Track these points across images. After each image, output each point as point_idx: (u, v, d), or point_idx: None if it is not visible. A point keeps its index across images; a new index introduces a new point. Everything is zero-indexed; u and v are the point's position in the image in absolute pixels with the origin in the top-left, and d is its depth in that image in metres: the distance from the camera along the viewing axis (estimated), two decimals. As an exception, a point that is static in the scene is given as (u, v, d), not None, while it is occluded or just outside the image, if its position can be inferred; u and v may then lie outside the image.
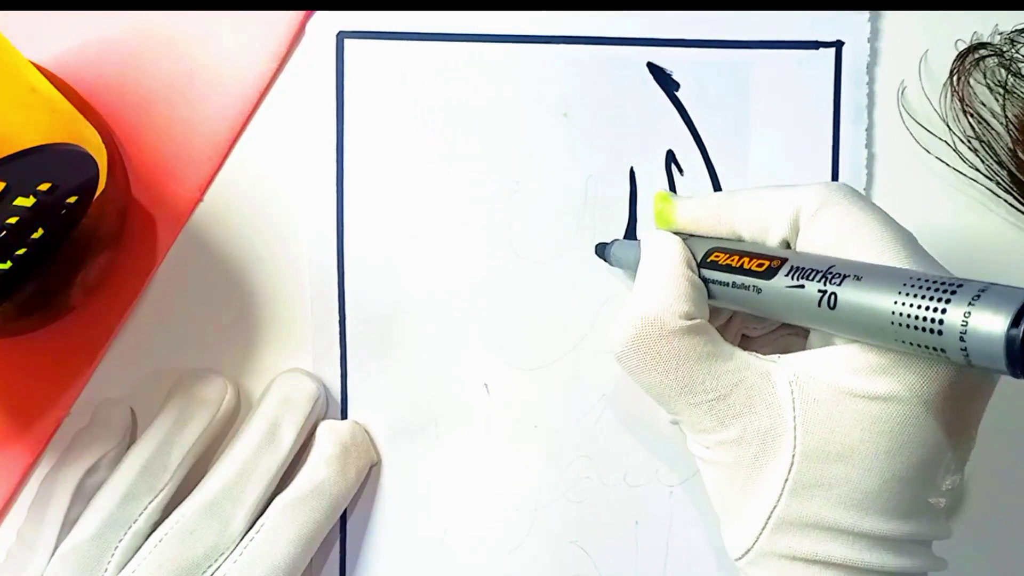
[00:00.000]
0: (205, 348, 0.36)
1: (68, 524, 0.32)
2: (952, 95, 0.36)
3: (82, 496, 0.33)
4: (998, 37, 0.36)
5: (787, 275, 0.27)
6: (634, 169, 0.36)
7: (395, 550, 0.36)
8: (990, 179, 0.36)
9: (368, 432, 0.36)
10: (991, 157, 0.36)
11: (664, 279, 0.29)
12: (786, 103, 0.36)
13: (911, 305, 0.23)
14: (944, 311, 0.22)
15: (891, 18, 0.37)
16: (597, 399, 0.36)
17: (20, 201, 0.26)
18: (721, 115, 0.36)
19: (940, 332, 0.22)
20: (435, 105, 0.36)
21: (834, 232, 0.27)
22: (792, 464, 0.27)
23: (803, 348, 0.30)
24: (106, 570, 0.32)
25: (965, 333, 0.22)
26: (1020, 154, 0.36)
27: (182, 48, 0.36)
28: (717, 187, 0.36)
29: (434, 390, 0.36)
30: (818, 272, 0.26)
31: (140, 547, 0.32)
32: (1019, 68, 0.36)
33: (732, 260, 0.29)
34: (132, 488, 0.32)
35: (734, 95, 0.36)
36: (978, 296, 0.22)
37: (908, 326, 0.23)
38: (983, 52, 0.36)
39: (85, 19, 0.35)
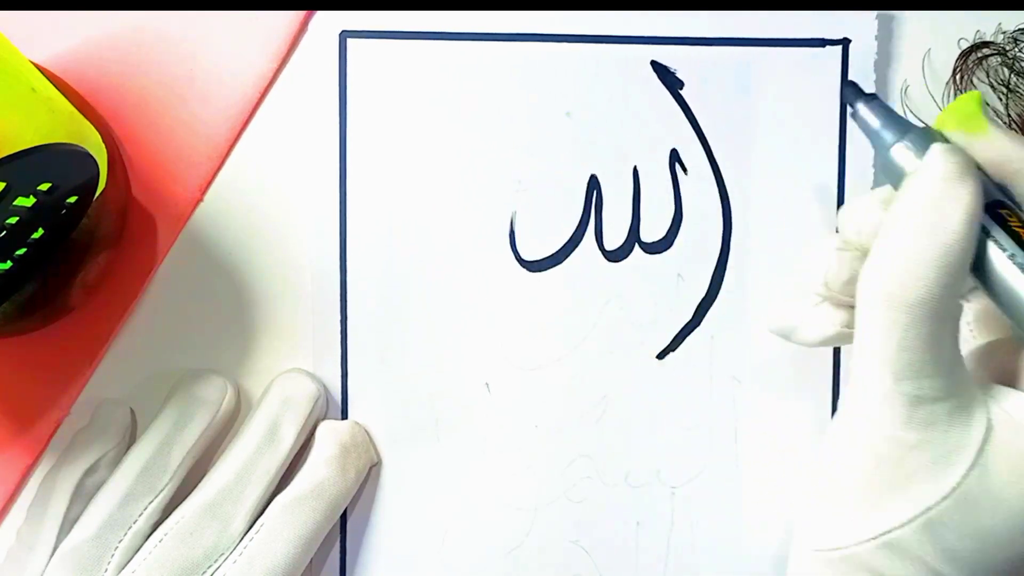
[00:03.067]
0: (205, 348, 0.36)
1: (68, 524, 0.32)
2: (955, 94, 0.36)
3: (82, 496, 0.33)
4: (1001, 36, 0.36)
5: None
6: (637, 168, 0.36)
7: (395, 550, 0.36)
8: (993, 179, 0.36)
9: (368, 432, 0.36)
10: (994, 157, 0.36)
11: (955, 242, 0.24)
12: (792, 101, 0.36)
13: None
14: None
15: (893, 16, 0.37)
16: (599, 399, 0.36)
17: (20, 201, 0.26)
18: (726, 114, 0.36)
19: None
20: (438, 105, 0.36)
21: None
22: (944, 499, 0.25)
23: (1015, 374, 0.27)
24: (106, 570, 0.32)
25: None
26: (1023, 154, 0.36)
27: (182, 48, 0.35)
28: (721, 186, 0.36)
29: (435, 390, 0.36)
30: None
31: (140, 547, 0.32)
32: (1022, 67, 0.36)
33: None
34: (132, 488, 0.32)
35: (739, 93, 0.36)
36: None
37: None
38: (986, 51, 0.36)
39: (85, 19, 0.35)
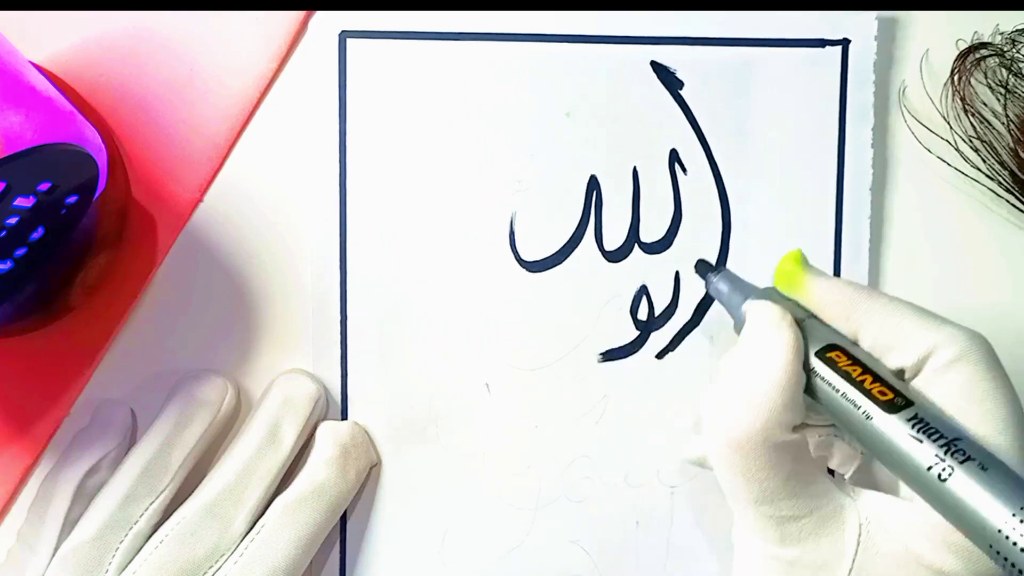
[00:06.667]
0: (205, 348, 0.36)
1: (69, 525, 0.32)
2: (953, 95, 0.36)
3: (83, 497, 0.33)
4: (999, 37, 0.36)
5: (909, 421, 0.25)
6: (637, 168, 0.36)
7: (395, 550, 0.36)
8: (991, 179, 0.36)
9: (368, 433, 0.36)
10: (992, 157, 0.36)
11: (777, 378, 0.27)
12: (791, 102, 0.36)
13: None
14: None
15: (891, 18, 0.37)
16: (598, 399, 0.36)
17: (20, 201, 0.26)
18: (725, 114, 0.36)
19: None
20: (437, 105, 0.36)
21: (960, 394, 0.26)
22: None
23: (852, 455, 0.30)
24: (107, 571, 0.32)
25: None
26: (1021, 154, 0.36)
27: (182, 48, 0.35)
28: (721, 186, 0.36)
29: (434, 390, 0.36)
30: (942, 437, 0.24)
31: (141, 548, 0.32)
32: (1020, 68, 0.36)
33: (853, 370, 0.27)
34: (133, 489, 0.32)
35: (739, 94, 0.36)
36: None
37: (1015, 544, 0.22)
38: (984, 52, 0.36)
39: (85, 19, 0.35)
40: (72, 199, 0.29)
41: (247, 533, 0.33)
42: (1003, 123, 0.36)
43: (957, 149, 0.36)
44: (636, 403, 0.36)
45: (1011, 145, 0.36)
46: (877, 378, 0.26)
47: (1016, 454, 0.25)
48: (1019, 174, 0.36)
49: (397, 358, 0.36)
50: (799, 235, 0.36)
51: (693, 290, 0.36)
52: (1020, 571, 0.22)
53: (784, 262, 0.30)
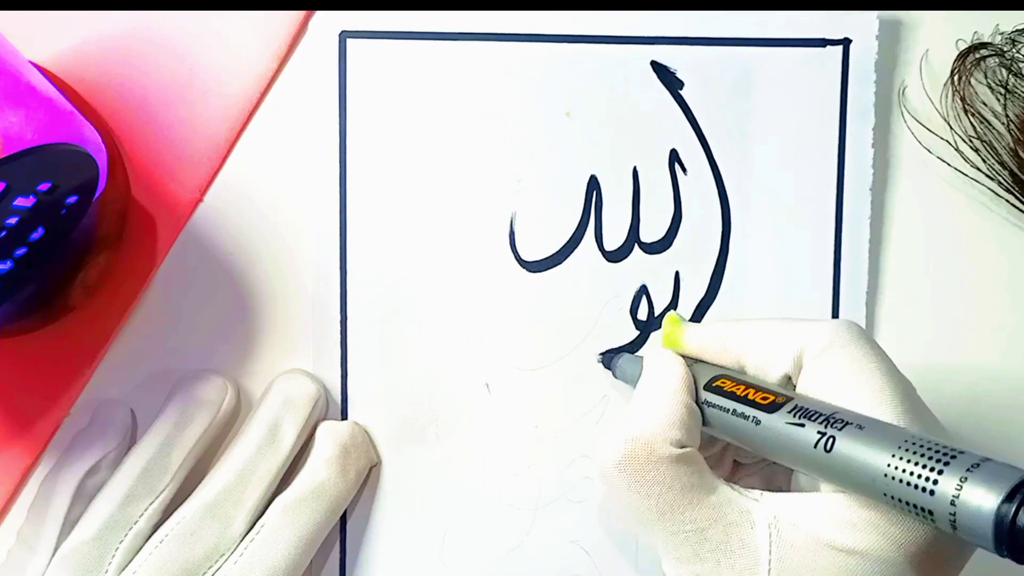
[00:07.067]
0: (205, 348, 0.36)
1: (68, 525, 0.32)
2: (953, 95, 0.36)
3: (82, 497, 0.33)
4: (999, 37, 0.36)
5: (789, 412, 0.27)
6: (637, 168, 0.36)
7: (395, 550, 0.36)
8: (991, 179, 0.36)
9: (368, 433, 0.36)
10: (992, 157, 0.36)
11: (661, 402, 0.29)
12: (792, 101, 0.36)
13: (908, 461, 0.24)
14: (941, 472, 0.23)
15: (892, 18, 0.37)
16: (598, 399, 0.36)
17: (20, 201, 0.26)
18: (725, 114, 0.36)
19: (932, 493, 0.23)
20: (437, 104, 0.36)
21: (836, 377, 0.27)
22: None
23: (787, 482, 0.31)
24: (107, 571, 0.32)
25: (957, 499, 0.22)
26: (1021, 154, 0.36)
27: (182, 48, 0.35)
28: (720, 186, 0.36)
29: (434, 390, 0.36)
30: (821, 415, 0.26)
31: (141, 548, 0.32)
32: (1020, 68, 0.36)
33: (737, 389, 0.29)
34: (133, 489, 0.32)
35: (739, 93, 0.36)
36: (976, 466, 0.22)
37: (901, 481, 0.24)
38: (984, 52, 0.36)
39: (85, 19, 0.35)
40: (72, 199, 0.29)
41: (247, 533, 0.33)
42: (1003, 123, 0.36)
43: (957, 149, 0.36)
44: (636, 403, 0.36)
45: (1011, 145, 0.36)
46: (759, 388, 0.29)
47: (898, 417, 0.26)
48: (1019, 174, 0.36)
49: (397, 358, 0.36)
50: (799, 234, 0.36)
51: (693, 290, 0.36)
52: (916, 506, 0.23)
53: (664, 326, 0.33)
